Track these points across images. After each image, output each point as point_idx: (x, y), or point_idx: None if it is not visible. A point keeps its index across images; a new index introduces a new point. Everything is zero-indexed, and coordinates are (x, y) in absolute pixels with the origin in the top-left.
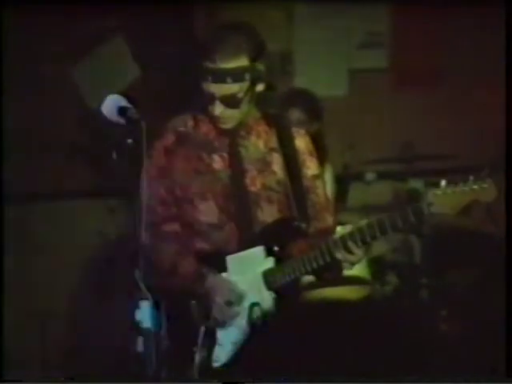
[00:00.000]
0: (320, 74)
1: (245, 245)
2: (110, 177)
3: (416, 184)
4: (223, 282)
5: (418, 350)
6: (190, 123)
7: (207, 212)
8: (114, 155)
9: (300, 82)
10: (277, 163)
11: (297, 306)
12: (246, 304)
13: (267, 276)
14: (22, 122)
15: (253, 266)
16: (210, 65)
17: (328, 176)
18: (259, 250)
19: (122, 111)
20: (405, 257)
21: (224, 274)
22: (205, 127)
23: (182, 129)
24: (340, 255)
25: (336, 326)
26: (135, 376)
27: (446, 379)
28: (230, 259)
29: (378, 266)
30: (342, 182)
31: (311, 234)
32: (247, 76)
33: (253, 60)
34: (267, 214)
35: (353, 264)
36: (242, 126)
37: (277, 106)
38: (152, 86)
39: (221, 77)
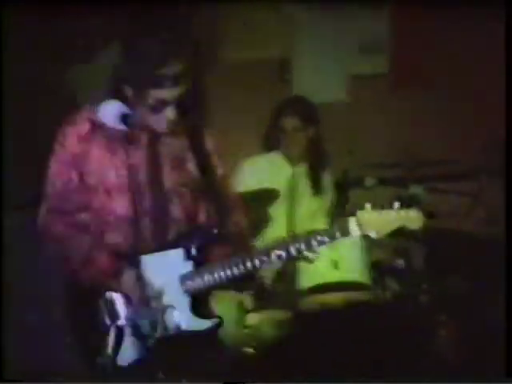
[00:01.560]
0: (319, 80)
1: (159, 243)
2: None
3: (416, 190)
4: (143, 280)
5: (417, 352)
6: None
7: (122, 205)
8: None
9: (299, 88)
10: (191, 162)
11: (296, 311)
12: (160, 306)
13: (185, 279)
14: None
15: (170, 268)
16: (159, 71)
17: (328, 181)
18: (178, 253)
19: (123, 117)
20: (405, 262)
21: (138, 271)
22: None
23: (97, 118)
24: (261, 263)
25: (337, 331)
26: (135, 376)
27: (446, 379)
28: (147, 259)
29: (377, 271)
30: (342, 188)
31: (226, 238)
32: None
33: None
34: (179, 211)
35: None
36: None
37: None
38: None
39: (171, 82)
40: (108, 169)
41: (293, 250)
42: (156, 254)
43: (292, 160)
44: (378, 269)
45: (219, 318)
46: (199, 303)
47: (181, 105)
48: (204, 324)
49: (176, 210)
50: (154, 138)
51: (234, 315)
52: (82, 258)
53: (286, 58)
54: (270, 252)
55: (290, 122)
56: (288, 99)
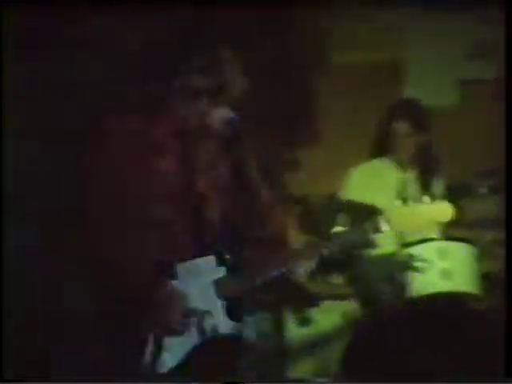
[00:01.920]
0: (430, 84)
1: (195, 250)
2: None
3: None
4: (180, 292)
5: None
6: (138, 123)
7: (158, 212)
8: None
9: (410, 91)
10: (225, 165)
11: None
12: (197, 312)
13: (219, 285)
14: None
15: (204, 274)
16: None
17: (439, 187)
18: (210, 259)
19: (230, 123)
20: None
21: (174, 282)
22: (154, 128)
23: (131, 127)
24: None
25: (447, 340)
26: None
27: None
28: (180, 267)
29: (488, 282)
30: (453, 195)
31: (263, 244)
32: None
33: None
34: (215, 216)
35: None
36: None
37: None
38: (260, 98)
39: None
40: (142, 177)
41: (325, 251)
42: (190, 262)
43: (402, 165)
44: (488, 279)
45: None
46: (234, 308)
47: (214, 96)
48: (239, 327)
49: (211, 215)
50: (187, 139)
51: (340, 324)
52: (119, 267)
53: (397, 61)
54: (305, 256)
55: (402, 127)
56: (400, 103)
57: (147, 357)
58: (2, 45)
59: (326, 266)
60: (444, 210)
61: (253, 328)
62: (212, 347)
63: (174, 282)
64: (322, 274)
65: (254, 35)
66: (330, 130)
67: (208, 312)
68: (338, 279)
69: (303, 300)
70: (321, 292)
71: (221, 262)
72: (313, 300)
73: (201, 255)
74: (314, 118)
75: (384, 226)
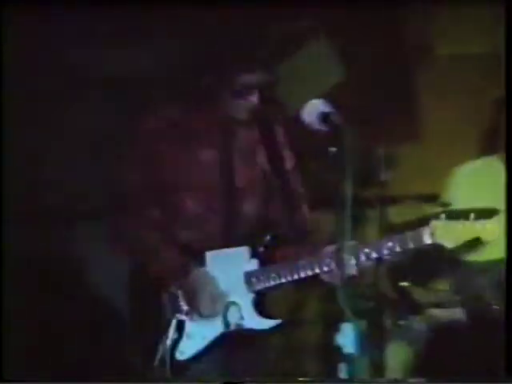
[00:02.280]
0: None
1: (229, 241)
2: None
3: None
4: (209, 277)
5: None
6: (180, 112)
7: (194, 203)
8: (316, 166)
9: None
10: (262, 155)
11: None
12: (224, 303)
13: (250, 277)
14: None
15: (235, 265)
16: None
17: None
18: (244, 250)
19: (324, 117)
20: None
21: (204, 268)
22: (196, 117)
23: (172, 116)
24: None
25: None
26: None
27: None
28: (212, 255)
29: None
30: None
31: (296, 239)
32: None
33: None
34: (252, 209)
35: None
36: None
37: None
38: (356, 90)
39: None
40: (180, 167)
41: (362, 256)
42: (222, 251)
43: None
44: None
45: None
46: (263, 302)
47: (266, 93)
48: (266, 323)
49: (247, 208)
50: (228, 131)
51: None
52: (150, 253)
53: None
54: (335, 255)
55: None
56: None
57: (168, 342)
58: (2, 45)
59: (429, 272)
60: (490, 229)
61: (348, 336)
62: (233, 341)
63: (204, 268)
64: (425, 280)
65: (352, 24)
66: (432, 126)
67: (235, 304)
68: (443, 286)
69: (405, 308)
70: (424, 299)
71: (254, 254)
72: (415, 308)
73: (234, 245)
74: (415, 113)
75: (426, 238)
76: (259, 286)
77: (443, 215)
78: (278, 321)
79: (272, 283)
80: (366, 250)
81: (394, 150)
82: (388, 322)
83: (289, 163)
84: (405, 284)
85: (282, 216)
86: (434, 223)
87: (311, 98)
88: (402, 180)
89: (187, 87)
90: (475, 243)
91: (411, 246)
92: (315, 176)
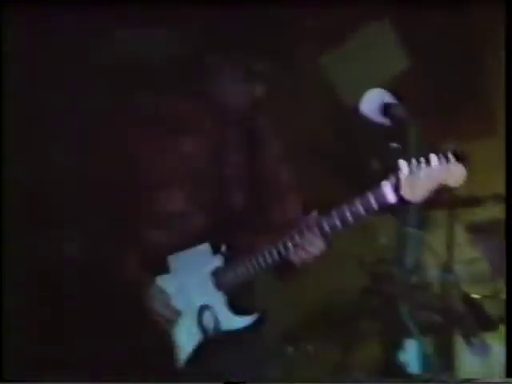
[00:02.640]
0: None
1: (189, 239)
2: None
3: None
4: (161, 296)
5: None
6: (161, 99)
7: (172, 199)
8: (376, 163)
9: None
10: (240, 143)
11: None
12: (195, 306)
13: (217, 276)
14: None
15: (199, 264)
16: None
17: None
18: (205, 248)
19: (386, 109)
20: None
21: (166, 276)
22: (182, 106)
23: (147, 104)
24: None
25: None
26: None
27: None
28: (174, 258)
29: None
30: None
31: (263, 228)
32: None
33: None
34: (237, 199)
35: (313, 256)
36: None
37: None
38: (421, 80)
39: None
40: (158, 159)
41: (326, 226)
42: (184, 253)
43: None
44: None
45: (261, 312)
46: (236, 299)
47: (272, 81)
48: (244, 321)
49: (238, 202)
50: (224, 120)
51: None
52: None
53: None
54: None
55: None
56: None
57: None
58: (2, 45)
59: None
60: (455, 173)
61: (415, 353)
62: (215, 344)
63: (164, 277)
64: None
65: (418, 7)
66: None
67: (206, 307)
68: None
69: (479, 322)
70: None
71: (216, 249)
72: (490, 323)
73: (194, 244)
74: (486, 106)
75: (390, 196)
76: (228, 283)
77: (404, 165)
78: (255, 316)
79: (240, 277)
80: (330, 221)
81: (465, 146)
82: (458, 339)
83: (271, 150)
84: (476, 296)
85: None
86: (393, 175)
87: (371, 88)
88: (474, 180)
89: (186, 67)
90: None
91: (375, 205)
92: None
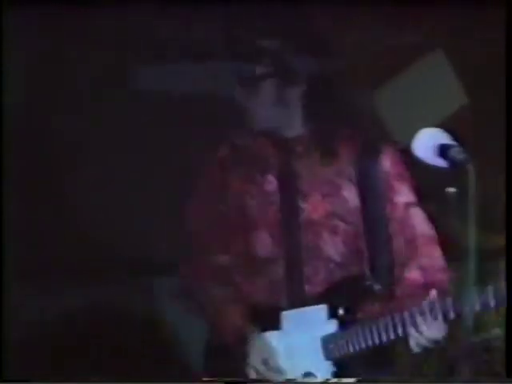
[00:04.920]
0: None
1: (301, 294)
2: None
3: None
4: (265, 347)
5: None
6: (246, 135)
7: (260, 244)
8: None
9: None
10: (349, 189)
11: None
12: (299, 373)
13: (327, 342)
14: None
15: (311, 327)
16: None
17: None
18: (321, 309)
19: (443, 150)
20: None
21: (276, 333)
22: (261, 140)
23: (238, 141)
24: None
25: None
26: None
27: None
28: (286, 315)
29: None
30: None
31: (387, 295)
32: None
33: None
34: (331, 248)
35: (421, 346)
36: (303, 138)
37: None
38: (481, 118)
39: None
40: (246, 201)
41: (451, 312)
42: (294, 310)
43: None
44: None
45: None
46: (343, 370)
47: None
48: None
49: (327, 251)
50: (285, 150)
51: None
52: (213, 314)
53: None
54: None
55: None
56: None
57: None
58: (3, 45)
59: None
60: None
61: None
62: None
63: (277, 333)
64: None
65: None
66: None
67: (310, 375)
68: None
69: None
70: None
71: (332, 313)
72: None
73: (310, 303)
74: None
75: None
76: (338, 354)
77: None
78: None
79: (351, 349)
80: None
81: None
82: None
83: (396, 197)
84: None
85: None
86: None
87: (426, 127)
88: None
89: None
90: None
91: (492, 302)
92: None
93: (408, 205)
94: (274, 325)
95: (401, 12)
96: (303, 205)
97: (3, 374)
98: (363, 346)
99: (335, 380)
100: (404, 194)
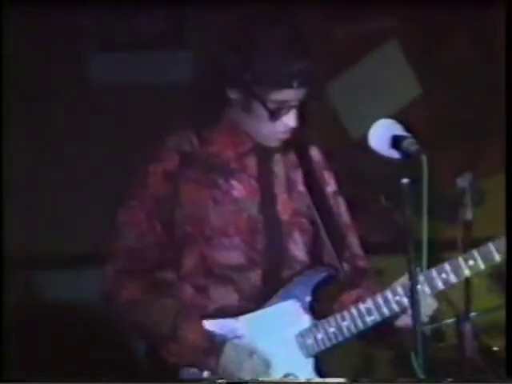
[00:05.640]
0: None
1: (272, 293)
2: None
3: None
4: (245, 361)
5: None
6: (195, 141)
7: (231, 252)
8: (383, 200)
9: None
10: (300, 181)
11: None
12: (279, 375)
13: (303, 339)
14: None
15: (283, 325)
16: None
17: None
18: (291, 305)
19: (396, 141)
20: None
21: (244, 340)
22: (214, 146)
23: (186, 148)
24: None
25: None
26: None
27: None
28: (252, 317)
29: None
30: None
31: (353, 281)
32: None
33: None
34: (300, 248)
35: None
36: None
37: None
38: (435, 109)
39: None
40: (207, 208)
41: (439, 282)
42: (262, 312)
43: None
44: None
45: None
46: (325, 364)
47: (303, 109)
48: None
49: (297, 249)
50: (264, 156)
51: None
52: (165, 329)
53: None
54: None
55: None
56: None
57: None
58: (3, 45)
59: None
60: None
61: None
62: None
63: (245, 340)
64: None
65: (432, 27)
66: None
67: (290, 375)
68: None
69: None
70: None
71: (304, 307)
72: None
73: (278, 301)
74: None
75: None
76: (318, 348)
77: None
78: (347, 381)
79: (333, 341)
80: (443, 276)
81: (482, 182)
82: None
83: (330, 188)
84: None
85: (331, 254)
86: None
87: (380, 118)
88: (492, 219)
89: (205, 104)
90: None
91: (497, 258)
92: (383, 213)
93: (335, 193)
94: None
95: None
96: (276, 207)
97: (3, 374)
98: (345, 334)
99: (332, 380)
100: (331, 184)
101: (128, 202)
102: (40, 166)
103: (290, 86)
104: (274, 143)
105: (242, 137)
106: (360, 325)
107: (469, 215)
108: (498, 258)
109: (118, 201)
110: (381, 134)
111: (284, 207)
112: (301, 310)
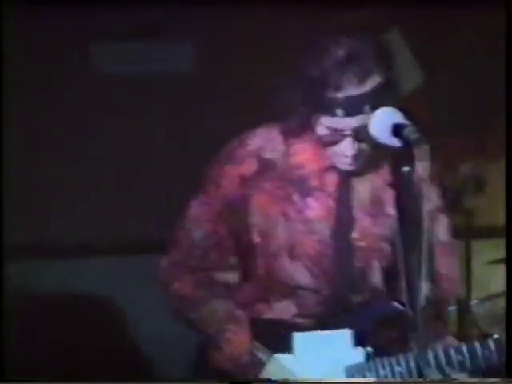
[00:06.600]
0: None
1: (332, 316)
2: None
3: None
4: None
5: None
6: (280, 148)
7: (295, 272)
8: None
9: None
10: (389, 201)
11: None
12: None
13: (352, 373)
14: None
15: (334, 353)
16: (337, 94)
17: None
18: (348, 334)
19: (397, 130)
20: None
21: (289, 357)
22: (297, 157)
23: (267, 155)
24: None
25: None
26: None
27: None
28: (303, 338)
29: None
30: None
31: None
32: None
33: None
34: (377, 276)
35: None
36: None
37: None
38: (437, 97)
39: (356, 106)
40: (275, 223)
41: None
42: (316, 334)
43: None
44: None
45: None
46: None
47: (360, 136)
48: None
49: (375, 276)
50: (342, 178)
51: None
52: (211, 330)
53: None
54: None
55: None
56: None
57: None
58: (3, 45)
59: None
60: None
61: None
62: None
63: (290, 357)
64: None
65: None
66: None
67: None
68: None
69: None
70: None
71: (358, 339)
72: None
73: (336, 327)
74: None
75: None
76: None
77: None
78: None
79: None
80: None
81: (483, 170)
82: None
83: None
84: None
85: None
86: None
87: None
88: (493, 207)
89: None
90: None
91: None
92: None
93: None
94: (284, 349)
95: None
96: (351, 232)
97: (3, 374)
98: (396, 375)
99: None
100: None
101: (201, 197)
102: (41, 156)
103: None
104: (345, 167)
105: (326, 150)
106: (415, 373)
107: (470, 203)
108: None
109: (121, 191)
110: (381, 122)
111: (363, 233)
112: (357, 342)
